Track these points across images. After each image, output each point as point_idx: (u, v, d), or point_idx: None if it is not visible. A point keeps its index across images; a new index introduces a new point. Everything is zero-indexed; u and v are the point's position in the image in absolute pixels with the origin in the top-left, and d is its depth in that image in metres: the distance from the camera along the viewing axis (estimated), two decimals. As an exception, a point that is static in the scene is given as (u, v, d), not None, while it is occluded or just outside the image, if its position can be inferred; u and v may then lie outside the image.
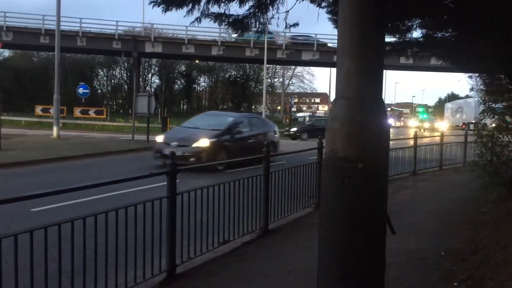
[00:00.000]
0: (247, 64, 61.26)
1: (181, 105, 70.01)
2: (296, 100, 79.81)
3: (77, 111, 34.23)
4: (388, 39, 7.59)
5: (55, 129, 20.84)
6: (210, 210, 5.10)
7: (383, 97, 2.83)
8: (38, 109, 35.20)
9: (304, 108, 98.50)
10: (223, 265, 4.96)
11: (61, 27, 22.58)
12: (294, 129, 33.29)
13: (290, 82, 70.49)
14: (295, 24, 6.33)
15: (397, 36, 7.33)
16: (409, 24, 6.88)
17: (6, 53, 56.29)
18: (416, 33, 8.78)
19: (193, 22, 5.20)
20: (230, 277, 4.66)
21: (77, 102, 34.34)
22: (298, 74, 69.13)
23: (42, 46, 41.39)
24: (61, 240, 3.39)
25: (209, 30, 39.94)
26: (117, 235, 3.86)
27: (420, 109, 79.89)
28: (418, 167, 12.57)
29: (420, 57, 9.13)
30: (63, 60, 21.94)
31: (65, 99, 22.50)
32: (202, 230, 4.98)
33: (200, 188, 4.98)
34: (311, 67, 64.15)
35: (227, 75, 66.48)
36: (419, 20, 6.73)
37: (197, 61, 58.74)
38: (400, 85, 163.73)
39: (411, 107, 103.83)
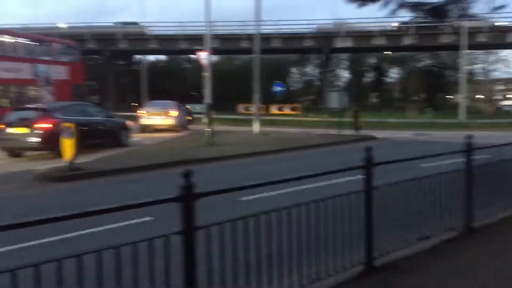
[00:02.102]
0: (441, 52, 57.23)
1: (372, 98, 68.88)
2: (502, 87, 71.67)
3: (273, 108, 36.52)
4: None
5: (256, 125, 22.60)
6: (407, 205, 5.01)
7: None
8: (240, 108, 38.57)
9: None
10: (421, 262, 4.83)
11: (259, 30, 24.34)
12: None
13: (494, 68, 63.47)
14: (501, 6, 5.77)
15: None
16: None
17: (213, 58, 62.78)
18: None
19: (387, 14, 5.14)
20: (430, 274, 4.53)
21: (274, 100, 36.64)
22: (503, 58, 61.83)
23: (243, 50, 45.17)
24: (270, 227, 3.75)
25: (400, 20, 38.54)
26: (318, 225, 4.10)
27: None
28: None
29: None
30: (260, 61, 23.62)
31: (263, 97, 24.22)
32: (399, 224, 4.93)
33: (396, 183, 4.93)
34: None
35: (420, 65, 63.08)
36: None
37: (388, 53, 57.13)
38: None
39: None
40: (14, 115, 15.38)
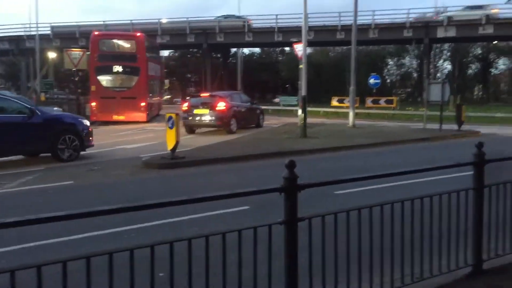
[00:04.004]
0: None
1: (476, 91, 64.56)
2: None
3: (368, 101, 35.57)
4: None
5: (351, 118, 22.19)
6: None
7: None
8: (334, 100, 38.05)
9: None
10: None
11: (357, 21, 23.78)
12: None
13: None
14: None
15: None
16: None
17: (308, 50, 62.49)
18: None
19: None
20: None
21: (369, 92, 35.66)
22: None
23: (338, 41, 44.45)
24: (371, 222, 3.65)
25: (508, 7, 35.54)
26: (422, 223, 3.93)
27: None
28: None
29: None
30: (356, 53, 23.11)
31: (358, 89, 23.67)
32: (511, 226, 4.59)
33: (510, 182, 4.58)
34: None
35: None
36: None
37: (496, 42, 53.15)
38: None
39: None
40: (197, 100, 20.40)
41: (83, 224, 5.01)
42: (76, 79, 30.98)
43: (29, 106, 12.14)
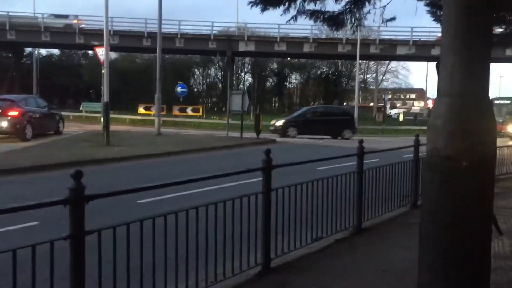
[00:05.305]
0: (339, 60, 60.46)
1: (273, 103, 70.76)
2: (390, 96, 77.26)
3: (175, 109, 36.01)
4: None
5: (156, 126, 22.10)
6: (303, 206, 5.15)
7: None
8: (141, 108, 37.53)
9: (398, 105, 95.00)
10: (316, 261, 5.00)
11: (162, 29, 23.86)
12: (280, 122, 26.33)
13: (384, 77, 68.44)
14: (392, 19, 6.19)
15: (504, 27, 6.88)
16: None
17: (113, 55, 60.39)
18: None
19: (289, 20, 5.29)
20: (324, 273, 4.69)
21: (176, 101, 36.12)
22: (392, 69, 66.96)
23: (145, 48, 43.99)
24: (166, 231, 3.62)
25: (301, 27, 39.95)
26: (216, 227, 4.05)
27: None
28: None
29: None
30: (162, 61, 23.15)
31: (165, 97, 23.76)
32: (295, 226, 5.05)
33: (294, 185, 5.05)
34: (406, 62, 61.79)
35: (318, 72, 66.08)
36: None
37: (289, 59, 59.07)
38: (505, 79, 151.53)
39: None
40: None
41: None
42: None
43: None
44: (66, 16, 44.59)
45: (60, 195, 2.94)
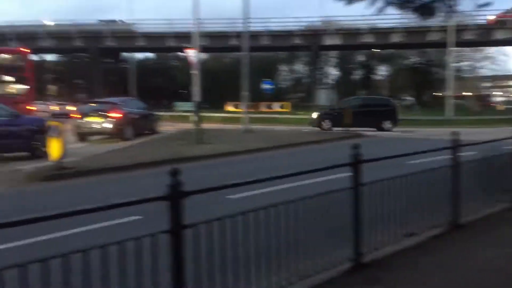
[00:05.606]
0: (429, 49, 57.67)
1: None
2: (488, 84, 72.38)
3: (262, 106, 36.54)
4: None
5: (244, 123, 22.59)
6: (395, 201, 5.05)
7: None
8: (230, 105, 38.55)
9: (498, 93, 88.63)
10: (409, 258, 4.87)
11: (248, 28, 24.33)
12: (315, 115, 25.83)
13: (480, 65, 64.07)
14: (487, 3, 5.82)
15: None
16: None
17: (202, 56, 62.38)
18: None
19: (376, 12, 5.16)
20: (417, 270, 4.57)
21: (262, 97, 36.65)
22: (489, 55, 62.45)
23: (232, 48, 45.06)
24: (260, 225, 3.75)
25: (388, 17, 38.65)
26: (304, 222, 4.12)
27: None
28: None
29: None
30: (249, 59, 23.63)
31: (252, 94, 24.19)
32: (387, 221, 4.96)
33: (384, 180, 4.96)
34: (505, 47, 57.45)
35: (408, 62, 63.48)
36: None
37: (376, 50, 57.41)
38: None
39: None
40: (89, 107, 20.35)
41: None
42: None
43: None
44: None
45: (159, 191, 3.16)
